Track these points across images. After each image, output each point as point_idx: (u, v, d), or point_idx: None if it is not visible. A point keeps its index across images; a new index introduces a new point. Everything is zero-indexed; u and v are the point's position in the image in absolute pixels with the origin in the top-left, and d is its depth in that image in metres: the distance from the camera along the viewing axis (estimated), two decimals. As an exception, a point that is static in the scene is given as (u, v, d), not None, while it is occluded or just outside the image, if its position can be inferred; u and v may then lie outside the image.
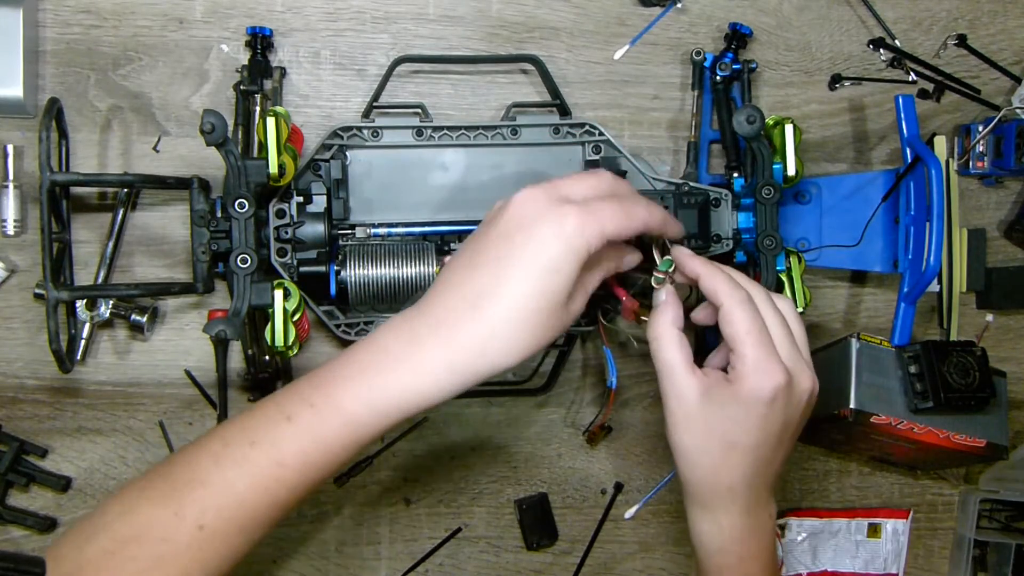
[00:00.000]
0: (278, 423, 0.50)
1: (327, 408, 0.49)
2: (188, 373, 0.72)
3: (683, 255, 0.56)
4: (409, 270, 0.64)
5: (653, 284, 0.57)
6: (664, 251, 0.58)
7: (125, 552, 0.48)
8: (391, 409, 0.50)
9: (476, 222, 0.68)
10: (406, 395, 0.49)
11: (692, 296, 0.59)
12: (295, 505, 0.51)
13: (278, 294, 0.61)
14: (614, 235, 0.50)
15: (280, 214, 0.64)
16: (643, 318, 0.61)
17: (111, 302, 0.69)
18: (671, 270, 0.57)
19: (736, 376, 0.52)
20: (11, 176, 0.69)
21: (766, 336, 0.53)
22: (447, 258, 0.63)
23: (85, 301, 0.68)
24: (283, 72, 0.71)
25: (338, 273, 0.64)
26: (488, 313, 0.49)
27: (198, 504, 0.48)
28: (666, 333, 0.54)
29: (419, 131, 0.68)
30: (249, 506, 0.49)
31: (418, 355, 0.49)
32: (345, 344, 0.72)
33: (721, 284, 0.54)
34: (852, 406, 0.66)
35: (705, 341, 0.71)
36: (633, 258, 0.57)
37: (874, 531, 0.79)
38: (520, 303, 0.49)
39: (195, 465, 0.49)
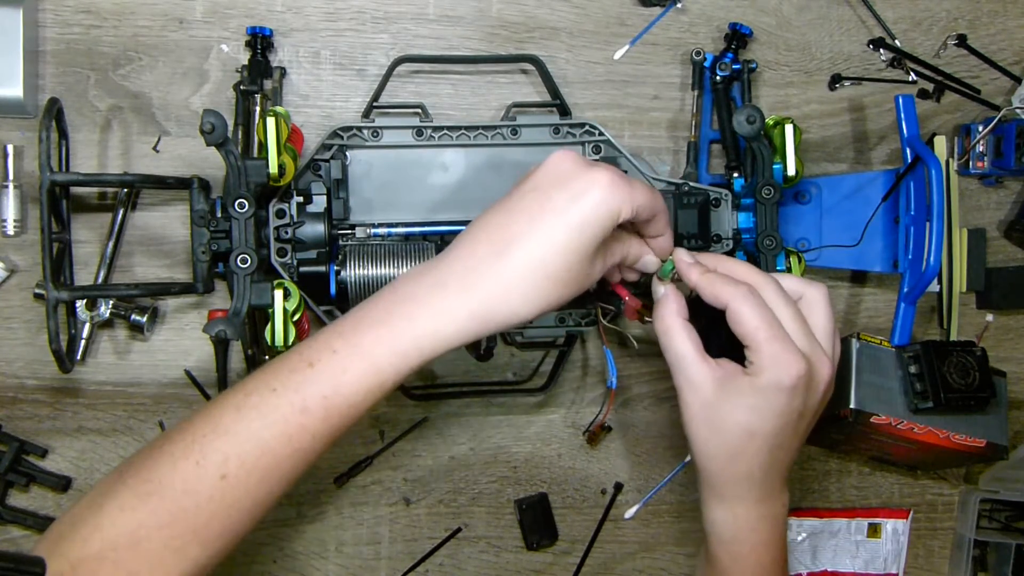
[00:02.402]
0: (300, 369, 0.50)
1: (349, 352, 0.50)
2: (188, 373, 0.72)
3: (682, 264, 0.56)
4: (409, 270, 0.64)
5: (656, 278, 0.57)
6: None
7: (146, 507, 0.47)
8: (412, 352, 0.50)
9: (476, 222, 0.68)
10: (428, 339, 0.50)
11: (692, 292, 0.59)
12: (316, 456, 0.51)
13: (278, 294, 0.61)
14: (642, 207, 0.51)
15: (280, 214, 0.64)
16: (646, 318, 0.61)
17: (111, 302, 0.69)
18: (672, 270, 0.57)
19: (755, 369, 0.53)
20: (11, 176, 0.69)
21: (778, 328, 0.53)
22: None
23: (85, 301, 0.68)
24: (283, 72, 0.71)
25: (338, 273, 0.64)
26: (515, 261, 0.49)
27: (220, 453, 0.48)
28: (674, 324, 0.55)
29: (419, 131, 0.68)
30: (272, 454, 0.49)
31: (441, 300, 0.50)
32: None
33: (721, 287, 0.54)
34: (852, 406, 0.66)
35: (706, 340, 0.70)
36: (651, 260, 0.57)
37: (874, 531, 0.79)
38: (548, 254, 0.49)
39: (217, 416, 0.49)
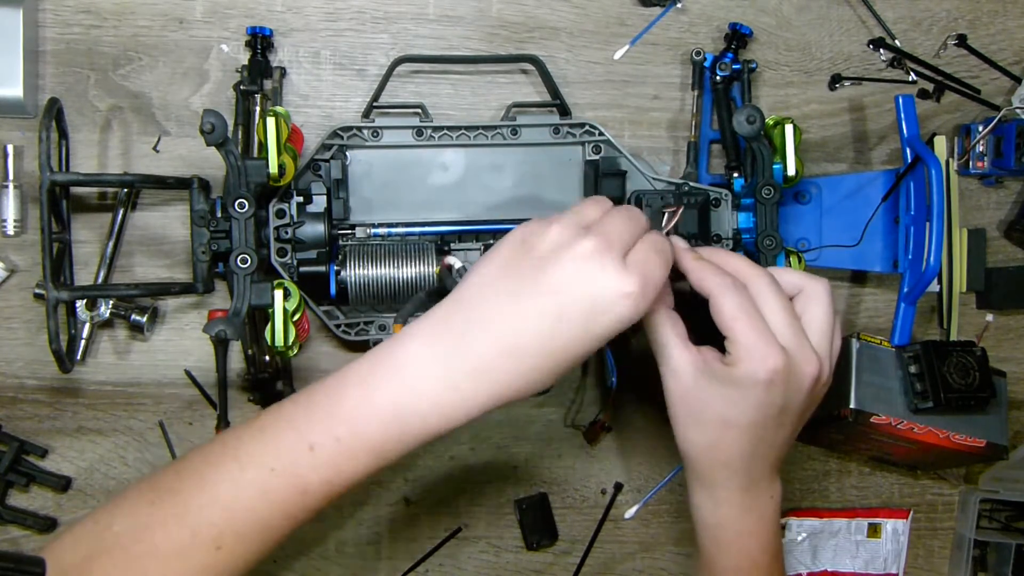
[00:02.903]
0: (300, 452, 0.48)
1: (355, 443, 0.48)
2: (188, 373, 0.72)
3: (678, 249, 0.56)
4: (409, 270, 0.64)
5: None
6: None
7: (138, 568, 0.47)
8: (418, 442, 0.49)
9: (476, 222, 0.68)
10: (435, 434, 0.49)
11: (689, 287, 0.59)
12: (310, 521, 0.50)
13: (278, 294, 0.61)
14: (657, 292, 0.50)
15: (280, 214, 0.64)
16: None
17: (111, 302, 0.69)
18: None
19: (731, 360, 0.53)
20: (11, 176, 0.69)
21: (758, 320, 0.52)
22: (447, 258, 0.63)
23: (85, 301, 0.68)
24: (283, 72, 0.71)
25: (338, 273, 0.64)
26: (532, 369, 0.49)
27: (216, 527, 0.47)
28: (658, 312, 0.55)
29: (419, 131, 0.68)
30: (269, 529, 0.49)
31: (456, 401, 0.49)
32: (345, 344, 0.72)
33: (706, 275, 0.54)
34: (852, 406, 0.66)
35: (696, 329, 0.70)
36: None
37: (874, 531, 0.79)
38: (564, 361, 0.49)
39: (211, 486, 0.48)
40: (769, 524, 0.58)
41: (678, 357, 0.54)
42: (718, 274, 0.54)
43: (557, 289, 0.48)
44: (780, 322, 0.53)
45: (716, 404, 0.53)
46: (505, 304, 0.49)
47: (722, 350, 0.54)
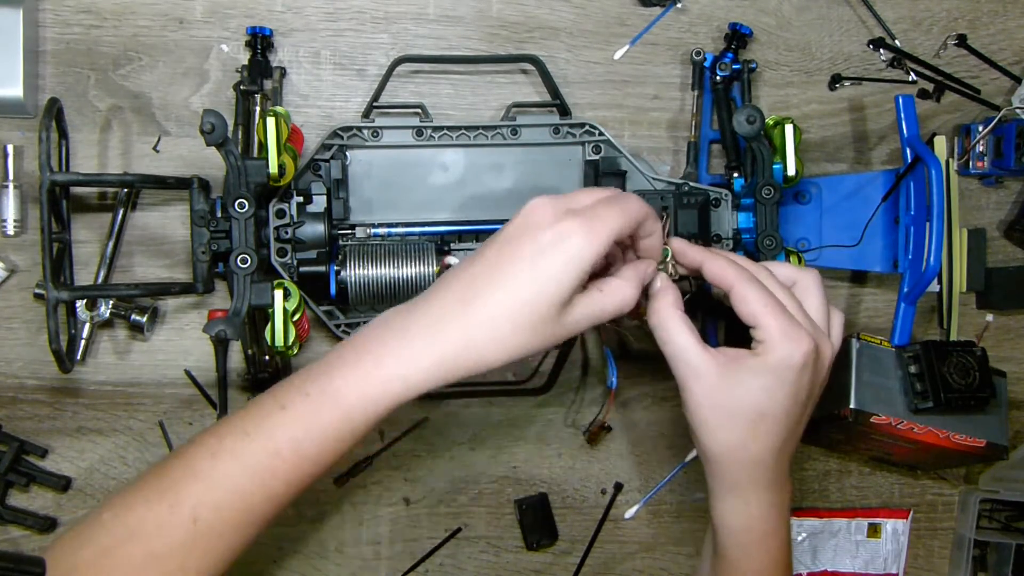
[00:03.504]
0: (273, 413, 0.50)
1: (320, 396, 0.50)
2: (188, 373, 0.72)
3: (683, 245, 0.56)
4: (409, 270, 0.64)
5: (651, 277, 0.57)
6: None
7: (121, 550, 0.48)
8: (380, 397, 0.50)
9: (476, 222, 0.68)
10: (396, 385, 0.50)
11: (691, 287, 0.59)
12: (288, 501, 0.51)
13: (278, 294, 0.61)
14: (616, 235, 0.50)
15: (280, 214, 0.64)
16: (646, 318, 0.61)
17: (111, 302, 0.69)
18: (668, 259, 0.57)
19: (764, 348, 0.53)
20: (11, 176, 0.69)
21: (782, 307, 0.53)
22: (447, 258, 0.64)
23: (85, 301, 0.68)
24: (283, 72, 0.71)
25: (338, 273, 0.64)
26: (479, 312, 0.49)
27: (193, 497, 0.48)
28: (671, 316, 0.54)
29: (419, 131, 0.68)
30: (244, 499, 0.49)
31: (408, 348, 0.50)
32: (345, 344, 0.72)
33: (726, 267, 0.54)
34: (852, 406, 0.66)
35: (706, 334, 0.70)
36: (631, 295, 0.56)
37: (874, 531, 0.79)
38: (513, 305, 0.49)
39: (190, 460, 0.50)
40: (788, 522, 0.59)
41: (699, 358, 0.53)
42: (735, 266, 0.54)
43: (507, 239, 0.50)
44: (794, 310, 0.54)
45: (748, 397, 0.53)
46: (466, 267, 0.51)
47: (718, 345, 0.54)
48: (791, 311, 0.54)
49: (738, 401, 0.53)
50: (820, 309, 0.56)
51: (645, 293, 0.59)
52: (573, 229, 0.49)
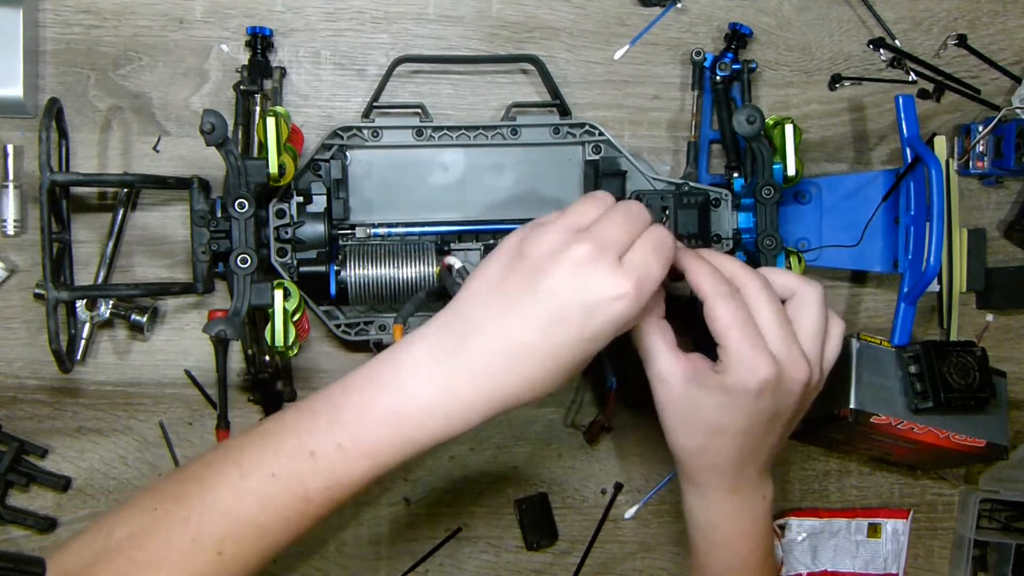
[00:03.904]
0: (301, 458, 0.49)
1: (355, 450, 0.49)
2: (188, 373, 0.72)
3: (677, 249, 0.55)
4: (409, 270, 0.64)
5: None
6: None
7: (139, 574, 0.47)
8: (417, 451, 0.50)
9: (476, 222, 0.68)
10: (437, 439, 0.50)
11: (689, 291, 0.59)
12: (311, 531, 0.51)
13: (278, 294, 0.61)
14: (654, 290, 0.50)
15: (280, 214, 0.64)
16: None
17: (111, 302, 0.69)
18: None
19: (722, 368, 0.53)
20: (11, 176, 0.69)
21: (751, 329, 0.52)
22: (447, 258, 0.63)
23: (85, 301, 0.68)
24: (283, 72, 0.71)
25: (338, 273, 0.64)
26: (523, 371, 0.49)
27: (217, 533, 0.48)
28: (647, 320, 0.54)
29: (419, 131, 0.68)
30: (269, 535, 0.49)
31: (455, 407, 0.49)
32: (345, 344, 0.72)
33: (704, 279, 0.53)
34: (852, 406, 0.66)
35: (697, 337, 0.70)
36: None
37: (874, 531, 0.79)
38: (558, 365, 0.49)
39: (212, 492, 0.48)
40: (761, 524, 0.58)
41: (667, 365, 0.54)
42: (715, 279, 0.53)
43: (551, 294, 0.48)
44: (772, 328, 0.53)
45: (706, 411, 0.54)
46: (501, 311, 0.49)
47: (713, 354, 0.54)
48: (768, 330, 0.53)
49: (697, 411, 0.54)
50: (814, 326, 0.55)
51: None
52: (624, 295, 0.48)
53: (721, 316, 0.52)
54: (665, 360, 0.54)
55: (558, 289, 0.48)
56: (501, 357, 0.49)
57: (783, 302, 0.55)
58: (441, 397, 0.49)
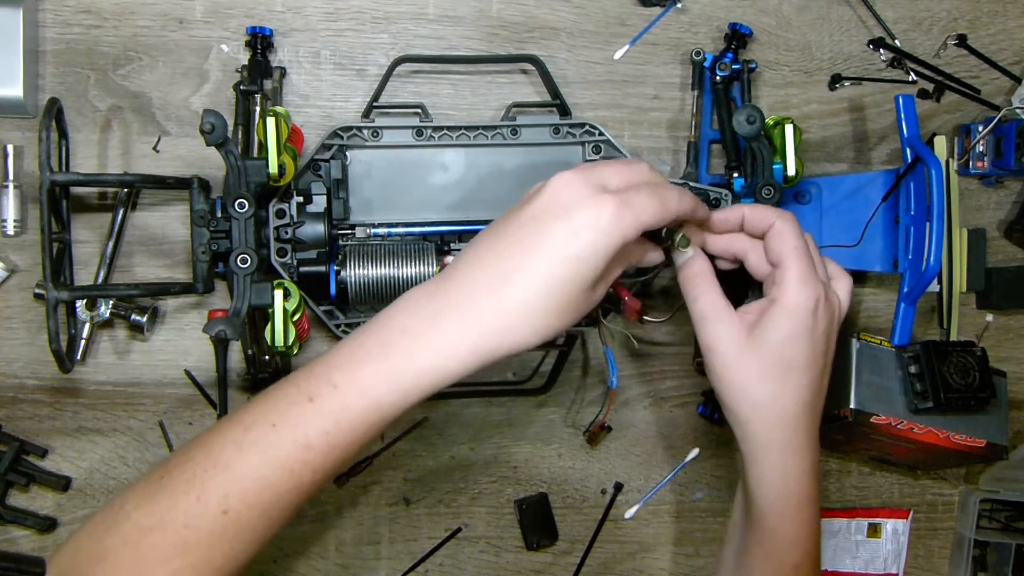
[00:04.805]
0: (300, 404, 0.49)
1: (350, 389, 0.49)
2: (188, 373, 0.72)
3: (717, 213, 0.59)
4: (409, 270, 0.64)
5: (679, 248, 0.58)
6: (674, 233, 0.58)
7: (146, 540, 0.47)
8: (413, 388, 0.50)
9: (476, 222, 0.68)
10: (429, 374, 0.50)
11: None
12: (317, 489, 0.50)
13: (278, 294, 0.61)
14: (650, 226, 0.51)
15: (280, 214, 0.64)
16: (645, 317, 0.61)
17: (111, 302, 0.69)
18: (679, 236, 0.58)
19: (780, 292, 0.55)
20: (11, 176, 0.69)
21: (809, 254, 0.56)
22: (447, 258, 0.64)
23: (85, 301, 0.68)
24: (283, 72, 0.71)
25: (338, 273, 0.64)
26: (513, 295, 0.49)
27: (221, 489, 0.48)
28: (703, 280, 0.57)
29: (419, 131, 0.68)
30: (273, 489, 0.49)
31: (441, 335, 0.50)
32: (345, 344, 0.72)
33: (767, 209, 0.58)
34: (852, 406, 0.66)
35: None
36: (656, 255, 0.58)
37: (874, 531, 0.79)
38: (546, 288, 0.49)
39: (216, 450, 0.49)
40: (819, 487, 0.59)
41: (731, 321, 0.55)
42: (775, 209, 0.57)
43: (535, 217, 0.50)
44: (816, 257, 0.57)
45: (774, 351, 0.55)
46: (490, 244, 0.51)
47: None
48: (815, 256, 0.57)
49: (765, 357, 0.55)
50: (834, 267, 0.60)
51: (649, 297, 0.59)
52: (608, 212, 0.49)
53: (790, 236, 0.56)
54: (727, 317, 0.56)
55: (541, 212, 0.50)
56: (487, 284, 0.50)
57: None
58: (426, 327, 0.50)
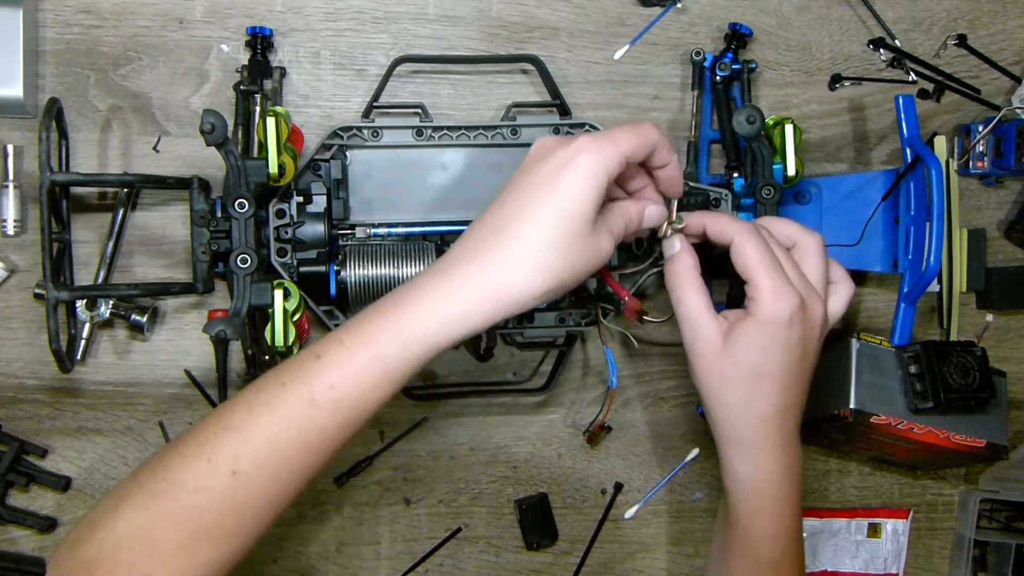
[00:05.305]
0: (308, 362, 0.50)
1: (356, 342, 0.50)
2: (188, 373, 0.72)
3: (695, 214, 0.59)
4: (409, 270, 0.64)
5: (667, 234, 0.58)
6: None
7: (160, 506, 0.48)
8: (417, 341, 0.50)
9: (476, 222, 0.68)
10: (434, 325, 0.50)
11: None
12: (327, 454, 0.51)
13: (278, 294, 0.61)
14: (629, 153, 0.52)
15: (280, 214, 0.64)
16: (645, 317, 0.61)
17: (111, 302, 0.69)
18: (682, 226, 0.58)
19: (754, 305, 0.55)
20: (11, 176, 0.69)
21: (776, 263, 0.55)
22: None
23: (85, 301, 0.68)
24: (283, 72, 0.71)
25: (338, 273, 0.64)
26: (513, 236, 0.50)
27: (231, 449, 0.48)
28: (687, 278, 0.57)
29: (419, 131, 0.68)
30: (282, 449, 0.49)
31: (446, 286, 0.51)
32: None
33: (727, 222, 0.57)
34: (852, 406, 0.66)
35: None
36: (655, 210, 0.58)
37: (874, 531, 0.79)
38: (545, 224, 0.50)
39: (228, 414, 0.50)
40: (799, 489, 0.59)
41: (709, 324, 0.56)
42: (738, 221, 0.57)
43: (523, 171, 0.53)
44: (789, 268, 0.56)
45: (747, 358, 0.55)
46: (488, 210, 0.53)
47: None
48: (788, 269, 0.56)
49: (738, 363, 0.55)
50: (818, 271, 0.58)
51: (648, 297, 0.59)
52: (584, 146, 0.51)
53: (750, 251, 0.55)
54: (706, 319, 0.56)
55: (527, 168, 0.53)
56: (487, 237, 0.51)
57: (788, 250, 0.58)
58: (433, 282, 0.51)
